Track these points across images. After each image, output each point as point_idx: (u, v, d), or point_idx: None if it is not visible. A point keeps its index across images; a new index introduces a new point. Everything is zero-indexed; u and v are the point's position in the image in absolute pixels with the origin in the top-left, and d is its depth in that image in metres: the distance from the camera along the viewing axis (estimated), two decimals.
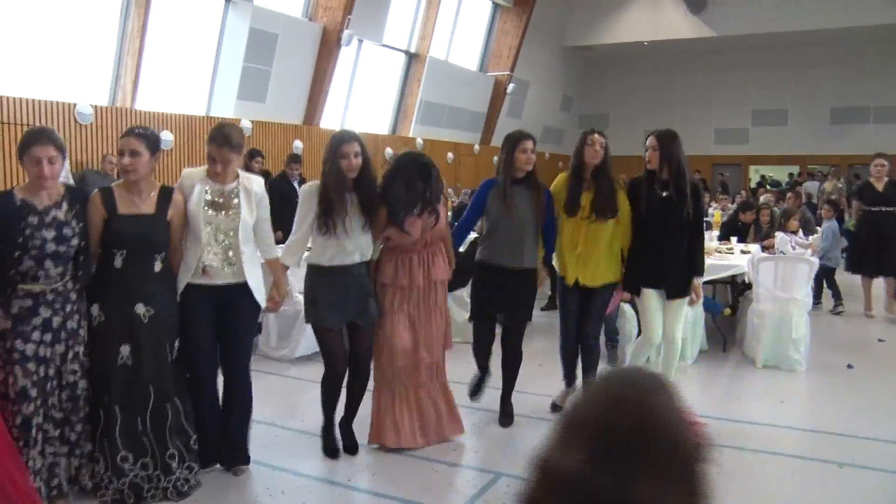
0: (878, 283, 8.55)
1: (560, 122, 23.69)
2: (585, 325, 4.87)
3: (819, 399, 5.80)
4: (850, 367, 6.40)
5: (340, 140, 4.00)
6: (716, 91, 22.68)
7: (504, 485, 3.96)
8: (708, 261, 6.58)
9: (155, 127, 10.78)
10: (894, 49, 20.49)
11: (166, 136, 11.01)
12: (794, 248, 6.88)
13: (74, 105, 9.96)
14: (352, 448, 4.33)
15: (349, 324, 4.21)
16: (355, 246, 4.04)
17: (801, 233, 8.23)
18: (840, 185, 18.14)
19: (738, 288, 7.36)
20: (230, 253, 3.77)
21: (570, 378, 5.07)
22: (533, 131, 17.79)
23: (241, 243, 3.77)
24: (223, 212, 3.76)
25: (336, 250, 4.00)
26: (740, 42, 20.92)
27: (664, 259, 4.66)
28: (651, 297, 4.75)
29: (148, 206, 3.63)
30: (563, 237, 4.78)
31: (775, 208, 9.47)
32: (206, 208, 3.73)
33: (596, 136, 4.76)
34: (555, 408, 5.07)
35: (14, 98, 9.24)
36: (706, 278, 6.57)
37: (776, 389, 5.82)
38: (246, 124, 12.30)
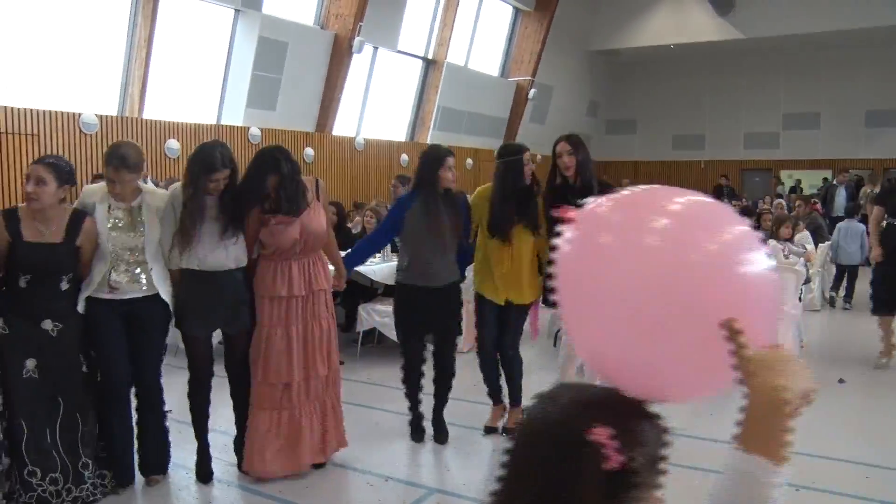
0: None
1: (587, 127, 23.40)
2: (504, 336, 4.70)
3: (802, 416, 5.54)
4: (841, 381, 6.14)
5: (211, 167, 3.78)
6: (745, 95, 22.17)
7: (434, 501, 3.83)
8: None
9: (162, 135, 10.90)
10: None
11: (172, 145, 11.10)
12: (787, 257, 6.62)
13: (79, 115, 10.07)
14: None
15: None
16: (225, 252, 3.86)
17: (808, 239, 8.00)
18: (873, 190, 17.67)
19: None
20: (138, 270, 3.72)
21: (495, 396, 4.85)
22: (558, 137, 17.58)
23: (149, 260, 3.73)
24: (129, 231, 3.71)
25: (205, 256, 3.84)
26: (769, 44, 20.46)
27: None
28: None
29: (55, 234, 3.56)
30: (490, 255, 4.60)
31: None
32: (110, 229, 3.68)
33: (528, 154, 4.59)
34: (488, 430, 4.85)
35: (16, 108, 9.37)
36: None
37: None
38: (255, 132, 12.37)
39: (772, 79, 21.85)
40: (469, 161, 17.49)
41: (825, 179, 21.51)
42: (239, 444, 4.12)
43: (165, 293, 3.78)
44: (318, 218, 4.02)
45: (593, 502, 0.99)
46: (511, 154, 4.57)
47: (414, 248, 4.49)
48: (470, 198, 4.76)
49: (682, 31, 20.52)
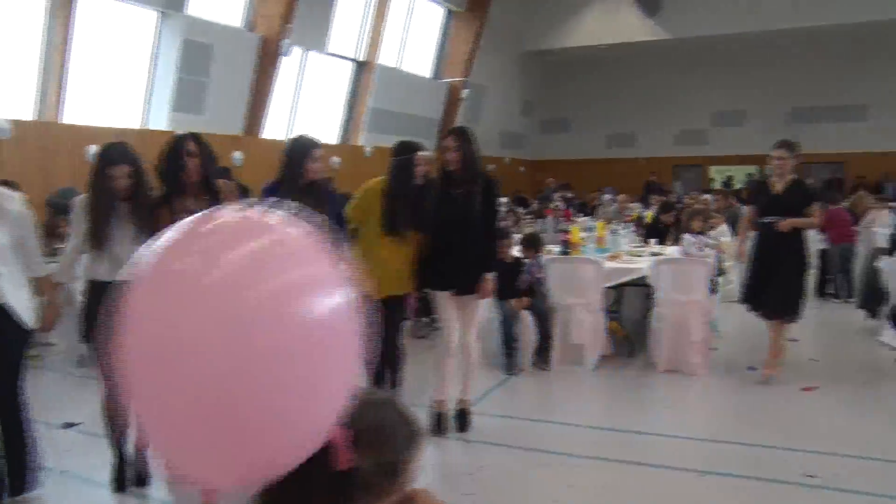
0: None
1: (521, 126, 23.66)
2: (390, 331, 4.71)
3: (705, 404, 5.70)
4: (751, 369, 6.31)
5: (109, 160, 3.76)
6: (675, 93, 22.64)
7: None
8: (612, 265, 6.56)
9: (83, 141, 10.64)
10: (849, 49, 20.57)
11: (94, 150, 10.84)
12: (700, 250, 6.77)
13: None
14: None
15: None
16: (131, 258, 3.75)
17: (726, 231, 8.21)
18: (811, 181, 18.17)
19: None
20: None
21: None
22: (492, 136, 17.88)
23: None
24: None
25: (111, 264, 3.74)
26: (697, 44, 20.92)
27: (456, 258, 4.58)
28: (445, 299, 4.65)
29: None
30: (379, 250, 4.60)
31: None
32: None
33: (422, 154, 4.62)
34: None
35: None
36: (612, 283, 6.55)
37: (662, 396, 5.79)
38: None
39: (700, 77, 22.35)
40: None
41: (749, 175, 22.16)
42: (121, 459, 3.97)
43: (18, 301, 3.57)
44: None
45: (320, 500, 1.01)
46: (404, 153, 4.58)
47: None
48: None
49: (612, 31, 20.87)
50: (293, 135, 4.62)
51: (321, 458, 1.01)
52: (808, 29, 19.12)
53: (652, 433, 4.86)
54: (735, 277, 9.51)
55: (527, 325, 6.35)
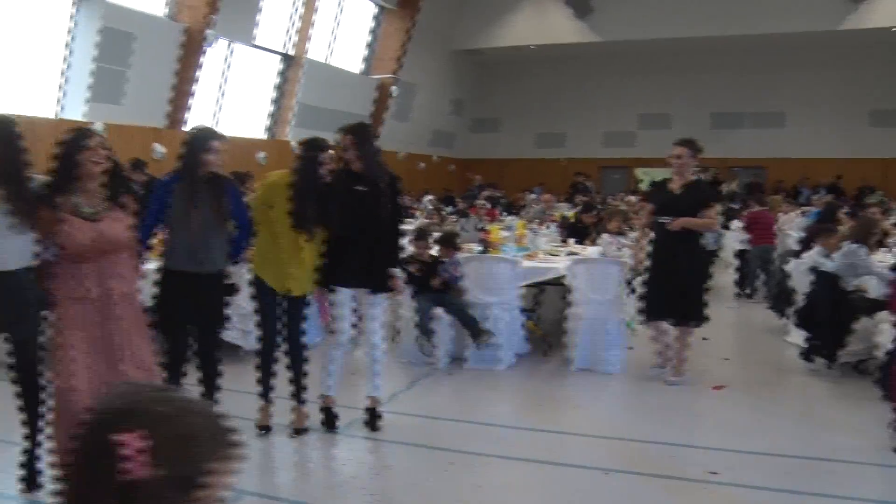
0: None
1: (451, 125, 23.69)
2: (292, 328, 4.63)
3: (616, 403, 5.74)
4: (663, 368, 6.42)
5: None
6: (604, 95, 23.00)
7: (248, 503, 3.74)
8: (528, 264, 6.59)
9: None
10: (769, 58, 21.22)
11: None
12: (617, 250, 6.86)
13: None
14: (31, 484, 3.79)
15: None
16: (8, 249, 3.54)
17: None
18: (733, 188, 18.77)
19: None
20: None
21: (267, 391, 4.68)
22: (422, 135, 17.80)
23: None
24: None
25: None
26: (625, 47, 21.30)
27: (360, 255, 4.56)
28: (342, 295, 4.62)
29: None
30: (285, 245, 4.51)
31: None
32: None
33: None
34: (262, 429, 4.63)
35: None
36: (528, 282, 6.58)
37: (574, 394, 5.81)
38: (99, 127, 11.76)
39: (628, 80, 22.75)
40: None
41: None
42: (30, 460, 3.80)
43: None
44: (118, 224, 3.68)
45: None
46: (311, 150, 4.50)
47: (173, 231, 4.21)
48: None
49: (543, 32, 21.06)
50: (195, 126, 4.47)
51: (108, 463, 0.94)
52: (729, 38, 19.69)
53: (561, 431, 4.89)
54: None
55: (442, 322, 6.33)
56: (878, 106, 20.96)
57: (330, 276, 4.63)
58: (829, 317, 6.20)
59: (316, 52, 16.94)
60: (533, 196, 13.95)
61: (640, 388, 5.98)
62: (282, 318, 4.62)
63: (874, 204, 13.10)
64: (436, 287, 6.59)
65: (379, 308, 4.80)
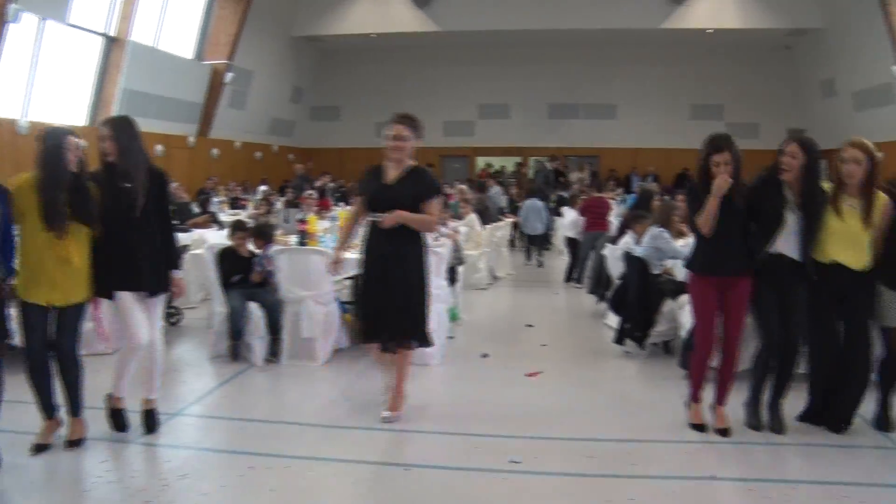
0: None
1: (290, 113, 23.12)
2: (58, 339, 4.22)
3: (434, 394, 5.61)
4: (485, 356, 6.43)
5: None
6: (443, 84, 23.15)
7: None
8: (345, 255, 6.38)
9: None
10: (602, 52, 22.07)
11: None
12: (436, 240, 6.79)
13: None
14: None
15: None
16: None
17: (475, 221, 8.32)
18: (584, 176, 19.34)
19: None
20: None
21: (48, 409, 4.25)
22: (260, 123, 17.11)
23: None
24: None
25: None
26: (465, 38, 21.45)
27: (126, 256, 4.25)
28: (128, 300, 4.32)
29: None
30: (40, 250, 4.07)
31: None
32: None
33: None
34: (38, 448, 4.18)
35: None
36: (344, 275, 6.36)
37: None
38: None
39: (467, 70, 23.00)
40: (159, 147, 16.40)
41: (518, 164, 23.29)
42: None
43: None
44: None
45: None
46: (51, 140, 4.10)
47: None
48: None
49: (382, 21, 20.86)
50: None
51: None
52: (563, 31, 20.27)
53: (368, 428, 4.74)
54: (484, 265, 9.78)
55: (256, 319, 6.05)
56: (697, 101, 22.34)
57: (105, 282, 4.26)
58: (639, 300, 6.39)
59: (142, 34, 15.96)
60: None
61: (459, 379, 5.95)
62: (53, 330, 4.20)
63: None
64: (255, 281, 6.31)
65: (157, 310, 4.51)
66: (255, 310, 6.13)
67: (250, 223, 7.28)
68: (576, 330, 7.75)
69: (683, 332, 5.90)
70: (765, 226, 4.46)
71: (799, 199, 4.41)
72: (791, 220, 4.42)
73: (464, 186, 11.92)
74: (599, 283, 8.15)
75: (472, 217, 9.65)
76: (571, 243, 10.79)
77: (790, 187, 4.44)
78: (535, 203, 12.69)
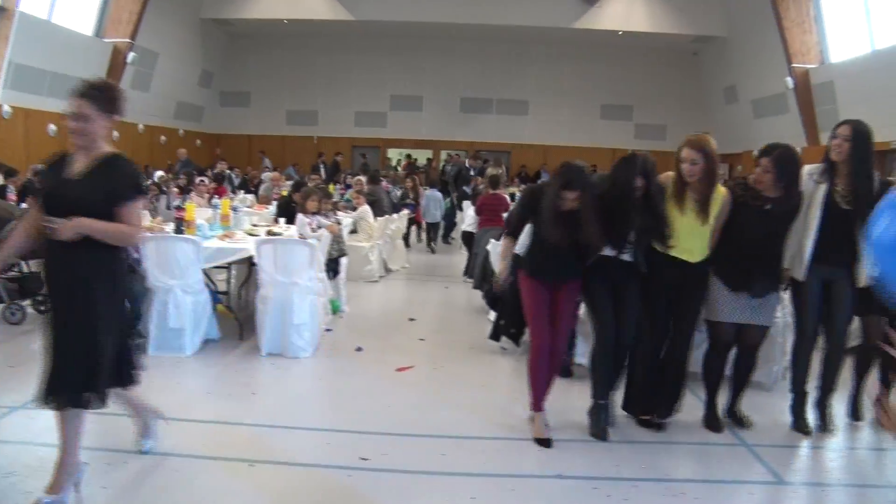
0: None
1: (198, 98, 22.54)
2: None
3: (295, 390, 5.49)
4: (359, 349, 6.36)
5: None
6: (356, 74, 22.97)
7: None
8: (216, 245, 6.24)
9: None
10: (515, 49, 22.25)
11: None
12: (315, 230, 6.69)
13: None
14: None
15: None
16: None
17: (368, 213, 8.23)
18: (501, 171, 19.37)
19: None
20: None
21: None
22: (166, 106, 16.54)
23: None
24: None
25: None
26: (379, 28, 21.32)
27: None
28: None
29: None
30: None
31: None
32: None
33: None
34: None
35: None
36: (214, 264, 6.22)
37: (254, 381, 5.56)
38: None
39: (380, 61, 22.88)
40: (52, 127, 15.73)
41: (429, 159, 23.23)
42: None
43: None
44: None
45: None
46: None
47: None
48: None
49: (295, 7, 20.55)
50: None
51: None
52: (477, 26, 20.35)
53: (225, 422, 4.61)
54: (375, 257, 9.70)
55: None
56: (607, 101, 22.75)
57: None
58: (514, 297, 6.38)
59: (32, 5, 15.25)
60: (266, 174, 13.53)
61: (326, 373, 5.86)
62: None
63: None
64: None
65: None
66: None
67: None
68: (457, 325, 7.74)
69: None
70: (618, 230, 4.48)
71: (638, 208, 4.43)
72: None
73: (361, 178, 11.80)
74: (485, 279, 8.16)
75: (366, 209, 9.55)
76: (468, 238, 10.80)
77: None
78: (434, 193, 13.54)
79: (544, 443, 4.43)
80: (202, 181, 10.32)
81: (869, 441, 4.83)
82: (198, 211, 7.71)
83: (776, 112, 18.21)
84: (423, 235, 14.19)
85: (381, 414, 4.87)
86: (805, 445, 4.65)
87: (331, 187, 13.44)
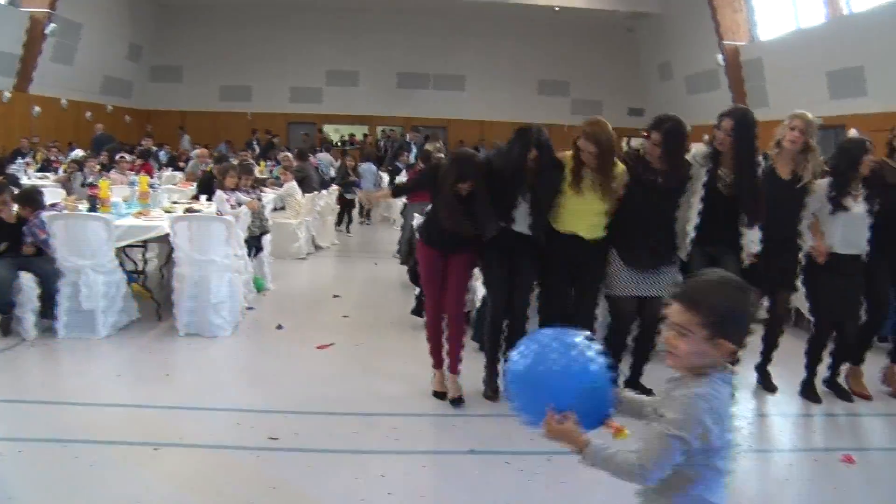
0: None
1: (127, 72, 21.87)
2: None
3: (210, 370, 5.37)
4: (280, 327, 6.28)
5: None
6: (291, 50, 22.58)
7: None
8: (129, 223, 6.08)
9: None
10: (451, 23, 22.08)
11: None
12: (234, 207, 6.56)
13: None
14: None
15: None
16: None
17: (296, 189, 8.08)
18: (439, 145, 19.22)
19: None
20: None
21: None
22: (92, 81, 15.96)
23: None
24: None
25: None
26: (313, 2, 20.99)
27: None
28: None
29: None
30: None
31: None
32: None
33: None
34: None
35: None
36: (126, 242, 6.06)
37: (169, 362, 5.44)
38: None
39: (316, 36, 22.51)
40: None
41: (364, 135, 23.06)
42: None
43: None
44: None
45: None
46: None
47: None
48: None
49: None
50: None
51: None
52: (412, 1, 20.13)
53: (136, 405, 4.50)
54: (303, 234, 9.59)
55: (28, 290, 5.62)
56: (544, 76, 22.80)
57: None
58: None
59: None
60: (194, 151, 13.24)
61: (244, 352, 5.78)
62: None
63: None
64: (28, 253, 5.86)
65: None
66: (27, 280, 5.69)
67: (26, 188, 6.75)
68: (382, 301, 7.68)
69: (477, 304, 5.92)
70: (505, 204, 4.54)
71: (531, 179, 4.50)
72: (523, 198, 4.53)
73: (289, 154, 11.61)
74: (411, 254, 8.12)
75: (293, 185, 9.40)
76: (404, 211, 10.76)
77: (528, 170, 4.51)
78: (370, 167, 13.40)
79: (441, 396, 4.68)
80: (123, 157, 10.02)
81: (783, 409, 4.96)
82: (116, 189, 7.52)
83: (708, 88, 18.49)
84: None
85: (296, 392, 4.82)
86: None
87: (261, 164, 13.23)
